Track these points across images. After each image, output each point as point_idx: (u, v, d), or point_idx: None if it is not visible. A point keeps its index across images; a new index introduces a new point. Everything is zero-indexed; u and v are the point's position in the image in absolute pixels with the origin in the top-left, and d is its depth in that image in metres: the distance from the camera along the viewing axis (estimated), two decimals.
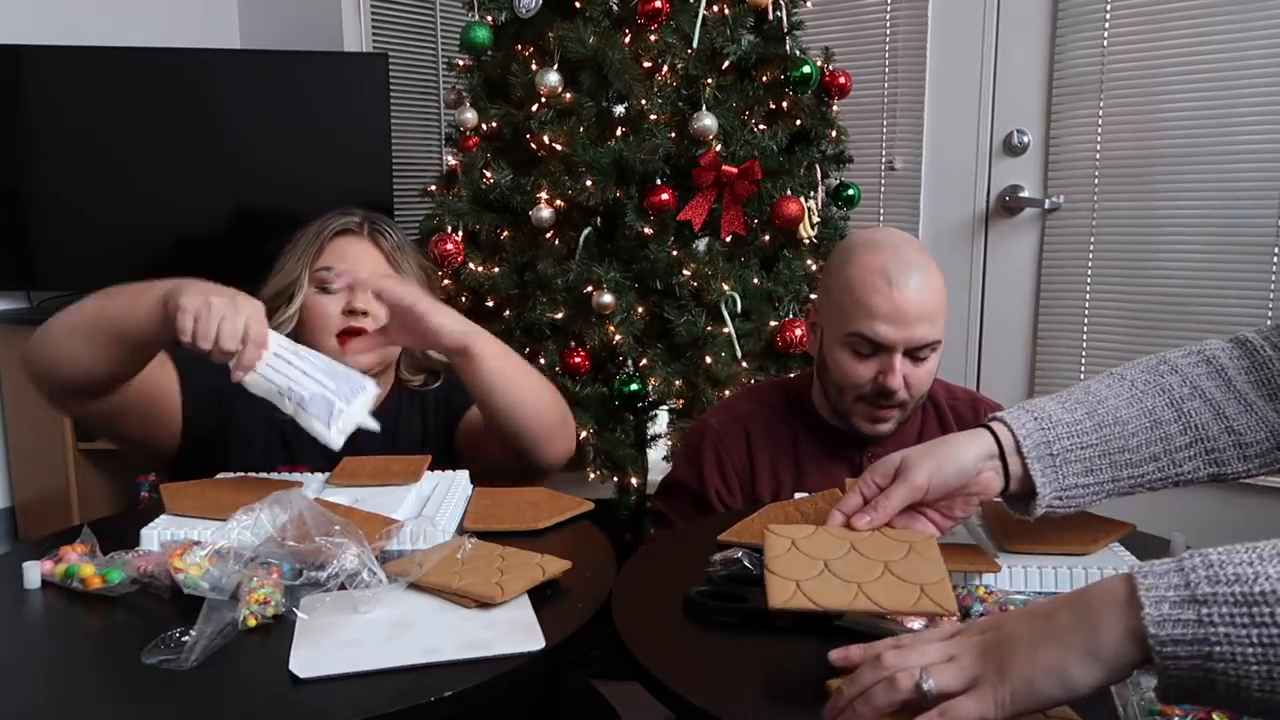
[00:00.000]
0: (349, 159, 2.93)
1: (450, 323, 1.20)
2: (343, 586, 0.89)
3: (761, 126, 2.18)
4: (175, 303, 1.04)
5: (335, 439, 1.09)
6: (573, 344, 2.14)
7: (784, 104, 2.22)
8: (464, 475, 1.25)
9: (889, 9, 2.81)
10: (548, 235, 2.18)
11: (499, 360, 1.23)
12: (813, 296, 1.43)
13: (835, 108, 2.33)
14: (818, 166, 2.29)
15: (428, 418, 1.46)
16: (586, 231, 2.17)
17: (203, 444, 1.33)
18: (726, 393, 2.06)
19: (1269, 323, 1.07)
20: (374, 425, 1.14)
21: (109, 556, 0.97)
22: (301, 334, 1.36)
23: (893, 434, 1.34)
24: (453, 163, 2.33)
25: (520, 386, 1.26)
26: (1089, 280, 2.59)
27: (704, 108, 2.09)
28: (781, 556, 0.76)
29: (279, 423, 1.15)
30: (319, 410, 1.09)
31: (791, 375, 1.57)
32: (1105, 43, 2.50)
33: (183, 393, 1.31)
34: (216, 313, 1.03)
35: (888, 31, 2.82)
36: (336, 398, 1.10)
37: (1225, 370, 0.93)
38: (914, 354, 1.26)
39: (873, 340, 1.24)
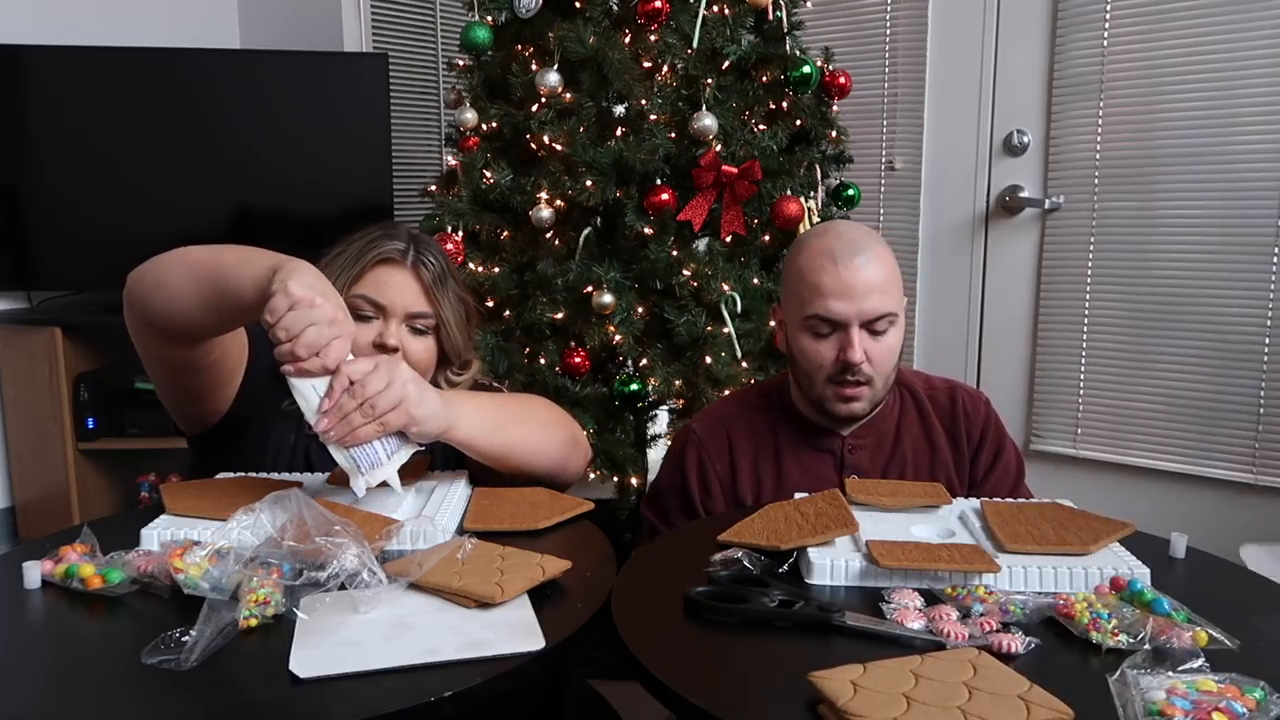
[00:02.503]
0: (349, 159, 2.93)
1: (428, 417, 1.09)
2: (343, 586, 0.89)
3: (761, 126, 2.18)
4: (283, 283, 1.00)
5: (360, 488, 1.06)
6: (573, 344, 2.14)
7: (784, 104, 2.22)
8: (464, 475, 1.25)
9: (889, 9, 2.81)
10: (548, 235, 2.18)
11: (488, 436, 1.17)
12: None
13: (835, 108, 2.33)
14: (818, 166, 2.29)
15: (434, 447, 1.35)
16: (586, 231, 2.17)
17: (237, 427, 1.31)
18: (726, 393, 2.06)
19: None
20: (399, 487, 1.09)
21: (109, 556, 0.97)
22: None
23: (867, 415, 1.36)
24: (453, 163, 2.33)
25: (520, 446, 1.21)
26: (1089, 280, 2.59)
27: (704, 108, 2.09)
28: (854, 700, 0.70)
29: (308, 437, 1.11)
30: (361, 456, 1.06)
31: (773, 376, 1.59)
32: (1105, 43, 2.50)
33: (246, 366, 1.29)
34: (312, 316, 0.99)
35: (888, 31, 2.82)
36: (383, 451, 1.07)
37: None
38: (870, 327, 1.29)
39: (827, 318, 1.28)
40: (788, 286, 1.36)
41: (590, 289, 2.10)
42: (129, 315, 1.19)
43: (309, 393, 1.04)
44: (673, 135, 2.12)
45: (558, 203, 2.14)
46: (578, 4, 2.17)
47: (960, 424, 1.41)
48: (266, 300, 1.00)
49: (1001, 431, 1.43)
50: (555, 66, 2.12)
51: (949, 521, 1.10)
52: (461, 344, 1.37)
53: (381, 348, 1.28)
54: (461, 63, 2.37)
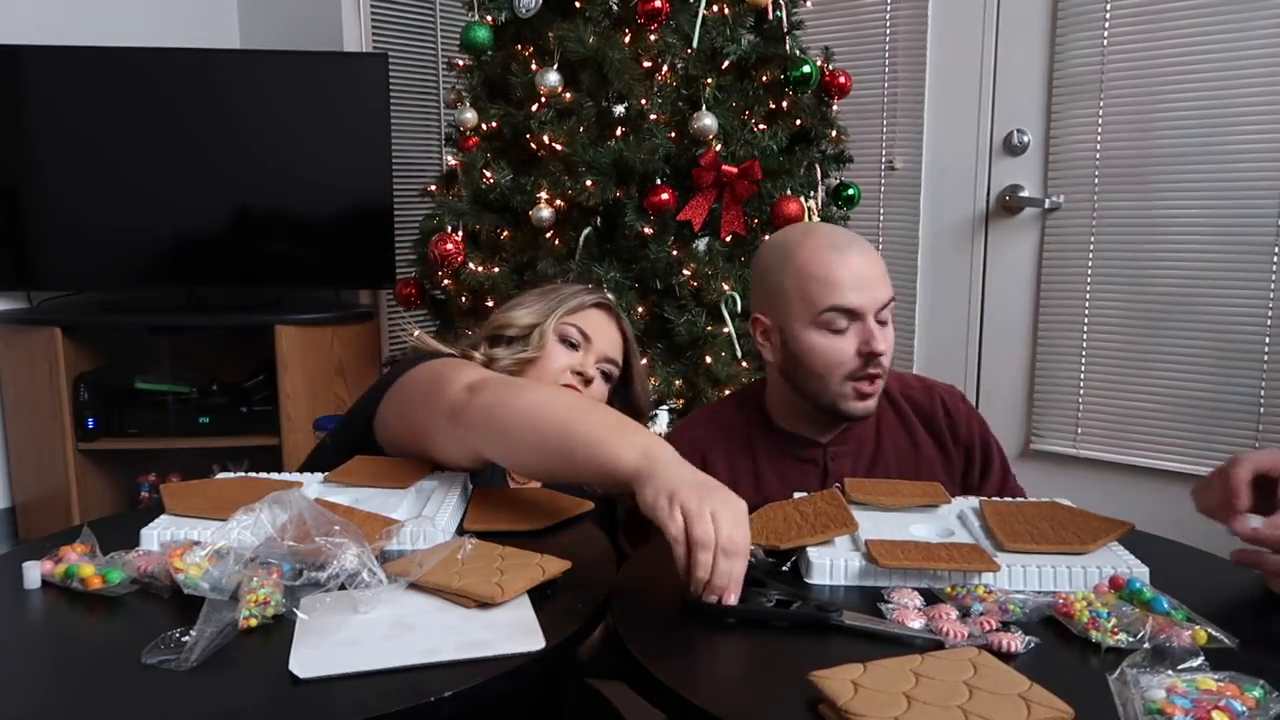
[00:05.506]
0: (349, 159, 2.93)
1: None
2: (343, 586, 0.89)
3: (761, 126, 2.18)
4: (674, 504, 0.91)
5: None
6: None
7: (784, 104, 2.22)
8: (464, 475, 1.25)
9: (889, 9, 2.81)
10: (548, 235, 2.18)
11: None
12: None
13: (835, 108, 2.33)
14: (818, 166, 2.29)
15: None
16: (586, 231, 2.17)
17: None
18: (727, 392, 2.06)
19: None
20: None
21: (109, 556, 0.97)
22: (525, 371, 1.42)
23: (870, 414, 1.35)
24: (453, 163, 2.34)
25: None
26: (1089, 280, 2.59)
27: (704, 108, 2.09)
28: (855, 699, 0.70)
29: None
30: None
31: (745, 386, 1.55)
32: (1105, 43, 2.50)
33: None
34: (723, 564, 0.88)
35: (888, 31, 2.82)
36: None
37: None
38: (878, 317, 1.30)
39: (847, 308, 1.28)
40: (783, 291, 1.32)
41: None
42: (452, 431, 1.14)
43: None
44: (673, 135, 2.12)
45: (558, 203, 2.14)
46: (578, 4, 2.17)
47: (943, 425, 1.40)
48: (621, 481, 0.97)
49: (986, 430, 1.43)
50: (555, 66, 2.12)
51: (948, 521, 1.10)
52: (646, 403, 1.56)
53: (579, 374, 1.43)
54: (461, 63, 2.37)
